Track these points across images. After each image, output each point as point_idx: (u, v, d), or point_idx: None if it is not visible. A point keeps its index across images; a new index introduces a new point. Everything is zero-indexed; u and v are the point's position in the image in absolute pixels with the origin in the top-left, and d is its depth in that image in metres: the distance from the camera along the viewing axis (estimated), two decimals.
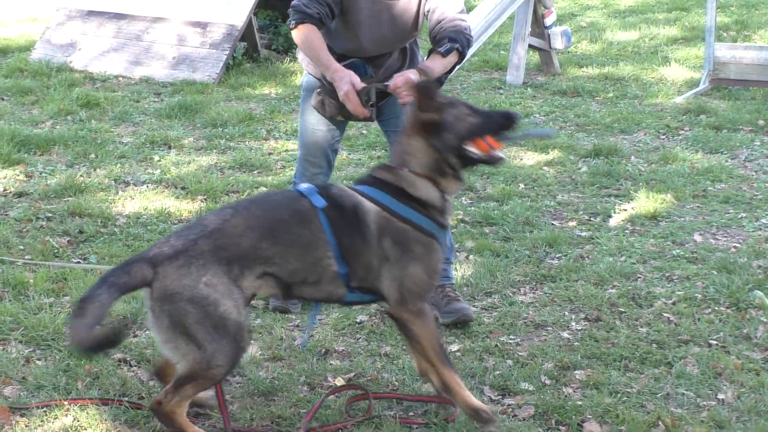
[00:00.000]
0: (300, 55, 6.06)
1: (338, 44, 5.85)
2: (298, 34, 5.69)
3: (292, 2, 5.70)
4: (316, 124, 6.06)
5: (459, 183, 4.94)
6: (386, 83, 5.59)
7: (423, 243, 4.80)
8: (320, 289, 4.77)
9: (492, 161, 4.92)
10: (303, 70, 6.19)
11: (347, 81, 5.47)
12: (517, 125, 4.93)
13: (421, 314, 4.79)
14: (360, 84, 5.48)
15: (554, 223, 7.69)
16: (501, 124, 4.89)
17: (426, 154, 4.86)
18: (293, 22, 5.67)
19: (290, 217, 4.70)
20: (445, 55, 5.60)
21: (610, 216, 7.80)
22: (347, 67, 5.62)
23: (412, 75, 5.48)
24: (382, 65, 5.88)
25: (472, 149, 4.83)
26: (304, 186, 4.86)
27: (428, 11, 5.75)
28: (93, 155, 9.02)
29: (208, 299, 4.48)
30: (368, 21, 5.75)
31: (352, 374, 5.44)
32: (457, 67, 5.86)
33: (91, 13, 12.91)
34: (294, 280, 4.71)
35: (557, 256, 7.06)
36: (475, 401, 4.85)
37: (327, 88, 5.77)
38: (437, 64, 5.62)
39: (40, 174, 8.51)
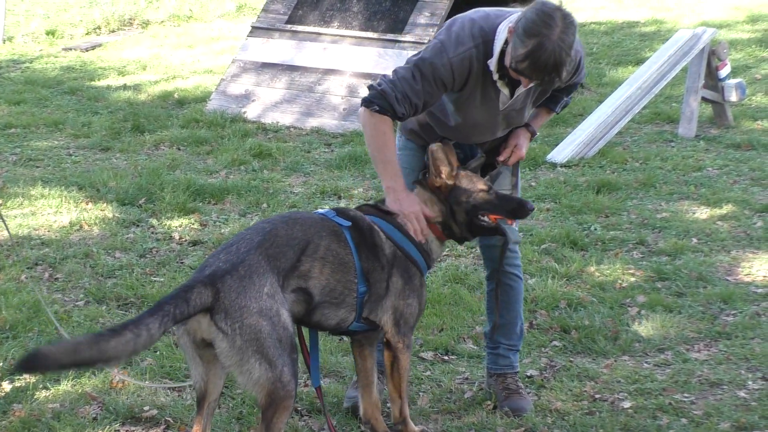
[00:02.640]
0: (398, 133, 5.57)
1: (443, 129, 5.42)
2: (373, 120, 5.10)
3: (381, 84, 5.10)
4: None
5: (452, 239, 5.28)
6: (496, 159, 5.45)
7: (419, 277, 5.07)
8: (337, 314, 4.88)
9: (499, 231, 5.19)
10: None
11: (417, 209, 5.15)
12: (528, 215, 5.24)
13: (408, 347, 5.09)
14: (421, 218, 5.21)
15: (728, 278, 7.51)
16: (513, 209, 5.17)
17: (437, 208, 5.17)
18: (376, 106, 5.06)
19: (327, 235, 4.83)
20: (558, 112, 5.59)
21: None
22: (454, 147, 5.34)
23: (523, 149, 5.43)
24: (489, 144, 5.52)
25: (483, 217, 5.15)
26: (322, 210, 5.05)
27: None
28: (265, 204, 9.18)
29: (272, 310, 4.45)
30: (483, 125, 5.33)
31: (522, 429, 5.38)
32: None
33: (265, 65, 13.18)
34: (322, 299, 4.78)
35: (732, 312, 6.89)
36: (416, 430, 5.24)
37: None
38: (543, 122, 5.61)
39: (214, 223, 8.69)
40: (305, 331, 5.07)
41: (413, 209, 5.11)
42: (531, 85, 4.93)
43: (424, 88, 5.02)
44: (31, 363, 4.17)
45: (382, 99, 5.04)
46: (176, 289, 4.45)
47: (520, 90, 5.09)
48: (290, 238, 4.71)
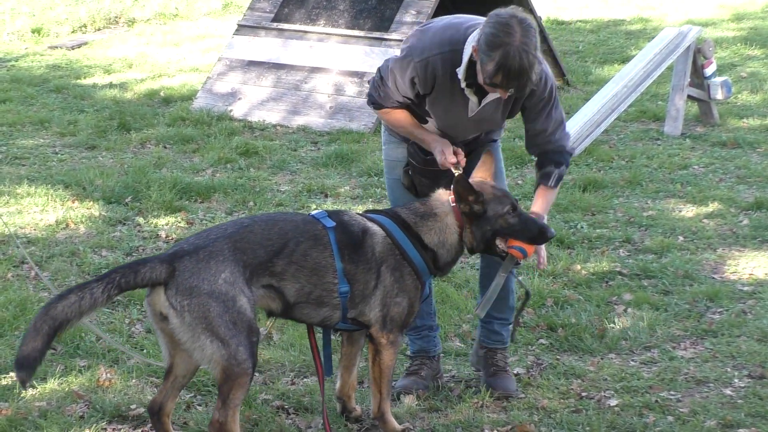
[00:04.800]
0: (383, 128, 5.84)
1: (427, 125, 5.57)
2: (381, 115, 5.62)
3: (370, 82, 5.55)
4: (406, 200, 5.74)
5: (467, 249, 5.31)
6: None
7: (413, 279, 5.14)
8: (319, 312, 5.04)
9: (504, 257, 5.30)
10: (381, 141, 5.96)
11: (445, 144, 5.38)
12: (548, 242, 5.35)
13: (394, 344, 5.17)
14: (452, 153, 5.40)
15: (715, 276, 7.53)
16: (533, 236, 5.22)
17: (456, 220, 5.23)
18: (371, 103, 5.56)
19: (306, 240, 4.96)
20: (554, 186, 5.48)
21: None
22: None
23: (543, 258, 5.45)
24: (472, 143, 5.64)
25: (500, 244, 5.23)
26: (316, 211, 5.14)
27: (530, 130, 5.46)
28: (251, 203, 9.18)
29: (227, 294, 4.67)
30: (453, 127, 5.49)
31: (509, 427, 5.39)
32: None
33: (252, 63, 13.17)
34: (299, 300, 4.96)
35: (718, 310, 6.91)
36: (398, 427, 5.30)
37: (417, 167, 5.59)
38: (546, 202, 5.50)
39: (201, 221, 8.69)
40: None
41: (444, 144, 5.36)
42: (508, 94, 5.06)
43: (397, 86, 5.35)
44: (22, 367, 4.53)
45: (371, 96, 5.52)
46: (134, 261, 4.81)
47: (489, 99, 5.28)
48: (264, 238, 4.89)
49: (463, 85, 5.19)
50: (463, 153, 5.40)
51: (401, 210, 5.28)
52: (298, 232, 4.96)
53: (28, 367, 4.53)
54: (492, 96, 5.24)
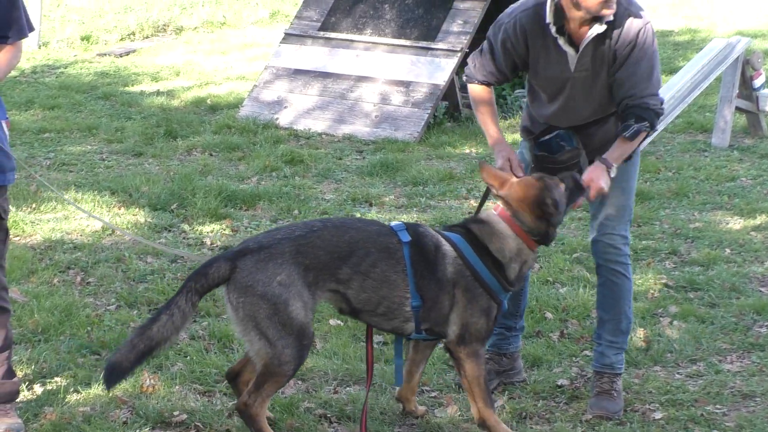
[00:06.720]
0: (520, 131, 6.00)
1: (540, 111, 5.70)
2: (470, 91, 5.80)
3: (469, 56, 5.78)
4: None
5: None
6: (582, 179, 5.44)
7: (487, 299, 5.15)
8: (389, 322, 5.12)
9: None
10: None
11: (504, 156, 5.51)
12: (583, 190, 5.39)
13: (475, 355, 5.18)
14: (516, 160, 5.50)
15: (762, 290, 7.45)
16: (575, 190, 5.35)
17: (535, 225, 5.25)
18: (465, 76, 5.80)
19: (377, 252, 5.01)
20: (631, 139, 5.40)
21: None
22: (550, 138, 5.56)
23: (599, 181, 5.37)
24: (595, 134, 5.62)
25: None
26: (395, 223, 5.17)
27: (614, 81, 5.43)
28: (296, 211, 9.18)
29: (279, 297, 4.82)
30: (558, 91, 5.56)
31: None
32: (648, 139, 5.73)
33: (298, 72, 13.21)
34: (364, 308, 5.04)
35: (765, 324, 6.84)
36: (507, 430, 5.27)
37: (544, 166, 5.59)
38: (619, 152, 5.44)
39: (246, 228, 8.71)
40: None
41: (502, 153, 5.53)
42: (612, 11, 5.20)
43: (493, 55, 5.56)
44: (111, 377, 4.96)
45: (467, 70, 5.73)
46: (201, 264, 5.05)
47: (585, 42, 5.34)
48: (333, 244, 4.97)
49: (553, 30, 5.32)
50: (518, 161, 5.50)
51: (474, 226, 5.27)
52: (370, 243, 5.02)
53: (115, 375, 4.93)
54: (587, 40, 5.32)
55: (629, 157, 5.57)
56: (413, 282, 5.01)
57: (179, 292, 4.94)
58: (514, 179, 5.30)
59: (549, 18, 5.32)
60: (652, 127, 5.46)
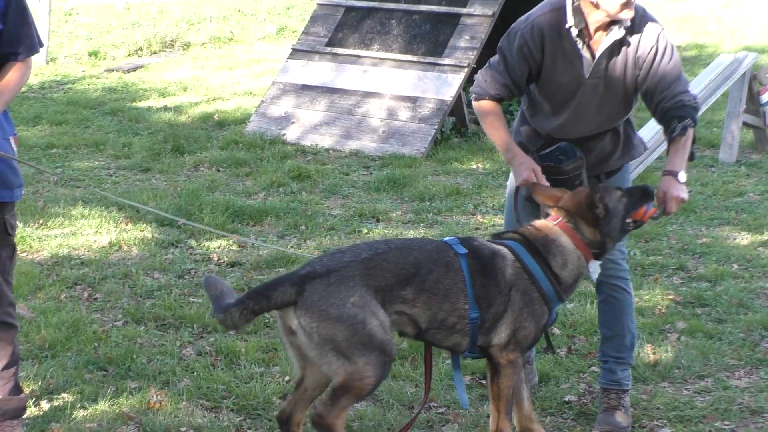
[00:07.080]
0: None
1: (543, 125, 5.66)
2: (478, 108, 5.68)
3: (477, 74, 5.67)
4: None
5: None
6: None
7: (541, 304, 5.10)
8: (450, 338, 5.05)
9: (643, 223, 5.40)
10: None
11: (528, 167, 5.43)
12: (652, 196, 5.34)
13: (513, 363, 5.11)
14: (539, 170, 5.43)
15: None
16: (641, 198, 5.30)
17: (593, 236, 5.21)
18: (473, 94, 5.65)
19: (438, 267, 4.98)
20: (682, 135, 5.36)
21: None
22: (553, 149, 5.53)
23: (674, 191, 5.36)
24: (593, 149, 5.63)
25: (629, 223, 5.31)
26: (448, 238, 5.15)
27: (645, 92, 5.47)
28: (303, 227, 9.19)
29: (356, 317, 4.70)
30: (567, 100, 5.54)
31: None
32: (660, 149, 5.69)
33: (305, 88, 13.23)
34: (430, 326, 4.98)
35: None
36: None
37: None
38: (680, 157, 5.41)
39: (252, 245, 8.71)
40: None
41: (526, 165, 5.43)
42: (610, 36, 5.26)
43: (507, 66, 5.47)
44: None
45: (476, 86, 5.61)
46: (267, 283, 4.93)
47: (602, 48, 5.35)
48: (398, 266, 4.91)
49: (575, 33, 5.32)
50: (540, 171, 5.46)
51: (529, 233, 5.25)
52: (431, 261, 4.98)
53: None
54: (605, 45, 5.33)
55: (690, 157, 5.53)
56: (472, 292, 4.98)
57: (235, 304, 4.75)
58: (568, 193, 5.29)
59: (570, 21, 5.31)
60: (694, 121, 5.44)
